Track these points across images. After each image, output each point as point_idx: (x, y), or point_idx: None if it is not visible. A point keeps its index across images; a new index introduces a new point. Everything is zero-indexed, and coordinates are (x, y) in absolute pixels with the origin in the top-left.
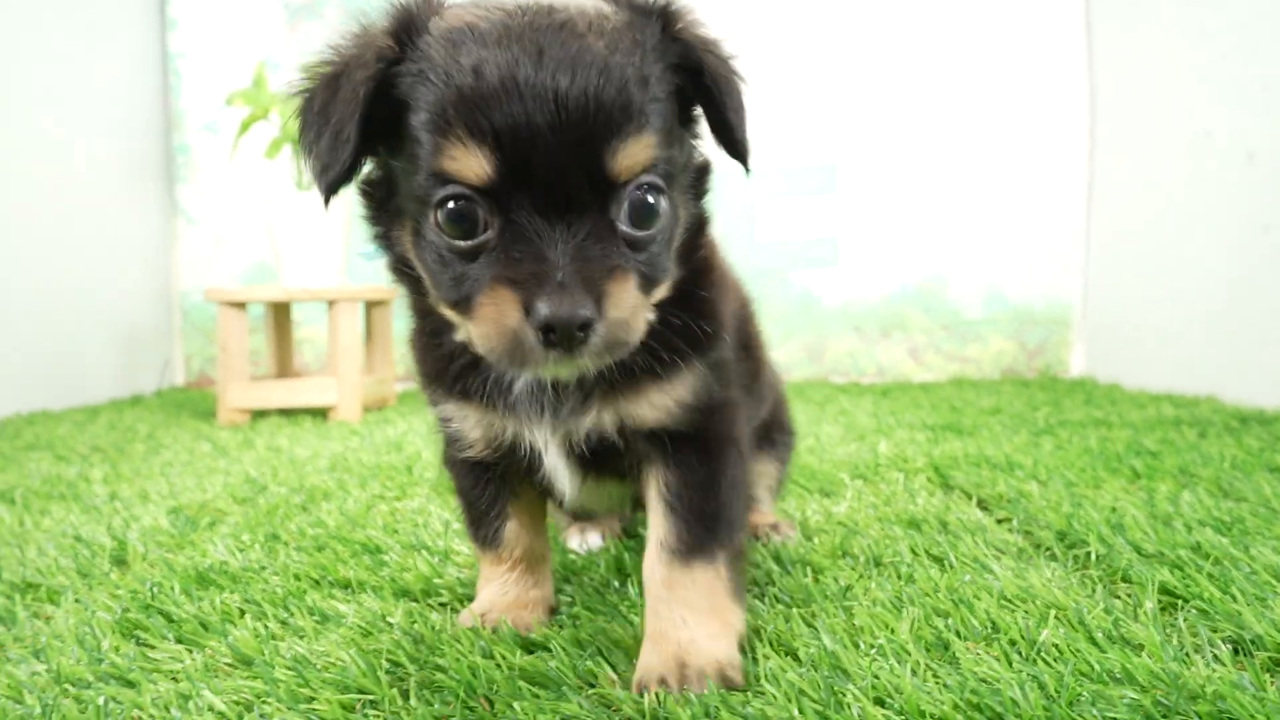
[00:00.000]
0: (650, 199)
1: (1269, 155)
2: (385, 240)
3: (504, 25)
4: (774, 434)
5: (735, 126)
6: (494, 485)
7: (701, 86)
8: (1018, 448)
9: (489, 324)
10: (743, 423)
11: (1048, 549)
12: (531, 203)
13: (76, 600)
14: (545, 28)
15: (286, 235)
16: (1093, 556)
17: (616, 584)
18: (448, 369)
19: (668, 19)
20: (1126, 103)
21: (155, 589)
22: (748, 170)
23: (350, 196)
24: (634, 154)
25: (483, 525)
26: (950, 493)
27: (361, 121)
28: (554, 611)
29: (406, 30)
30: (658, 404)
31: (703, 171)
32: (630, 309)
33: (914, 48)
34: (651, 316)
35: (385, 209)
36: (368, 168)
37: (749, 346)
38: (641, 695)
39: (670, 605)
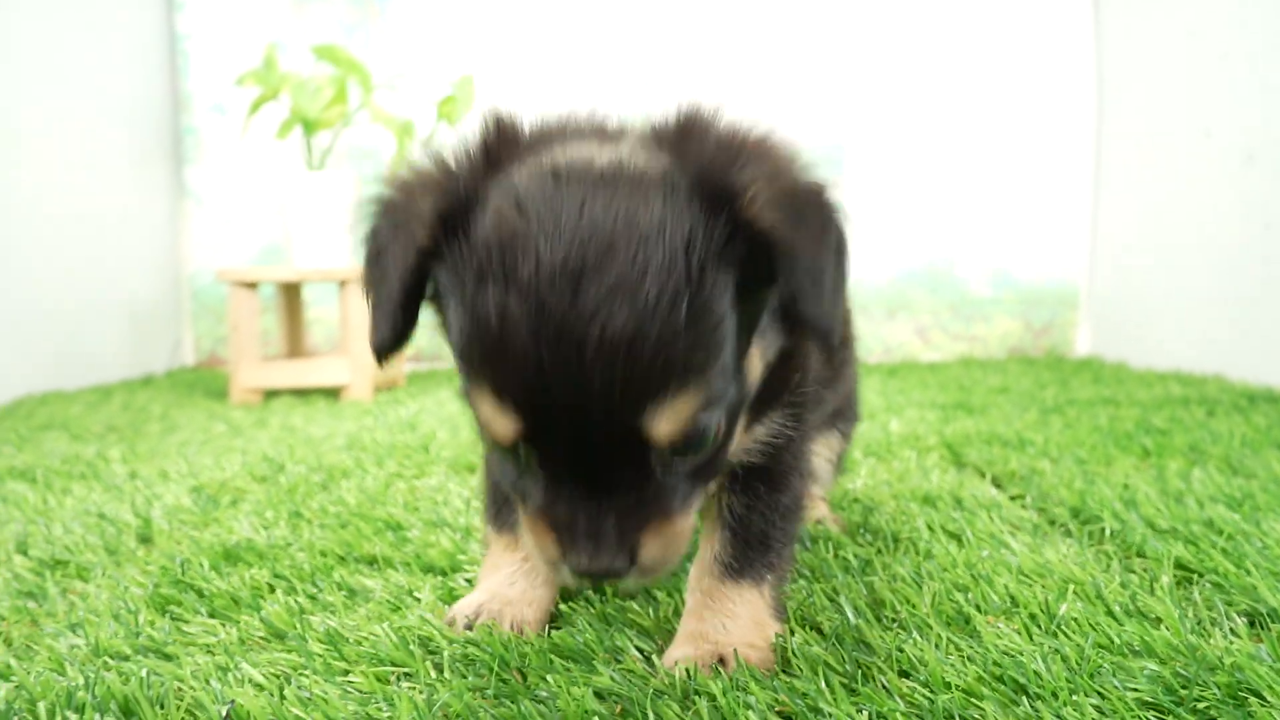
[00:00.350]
0: (703, 434)
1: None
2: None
3: (540, 227)
4: (842, 413)
5: (810, 319)
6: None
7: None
8: (1028, 425)
9: (534, 547)
10: (809, 452)
11: (1062, 525)
12: (567, 460)
13: (106, 576)
14: (588, 241)
15: (297, 215)
16: (1107, 532)
17: None
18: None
19: (734, 204)
20: (1134, 84)
21: (185, 565)
22: (831, 351)
23: (361, 179)
24: (678, 413)
25: (505, 507)
26: (963, 470)
27: (409, 293)
28: (553, 619)
29: (450, 218)
30: (744, 444)
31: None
32: (663, 550)
33: (922, 30)
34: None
35: None
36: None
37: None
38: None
39: (714, 613)
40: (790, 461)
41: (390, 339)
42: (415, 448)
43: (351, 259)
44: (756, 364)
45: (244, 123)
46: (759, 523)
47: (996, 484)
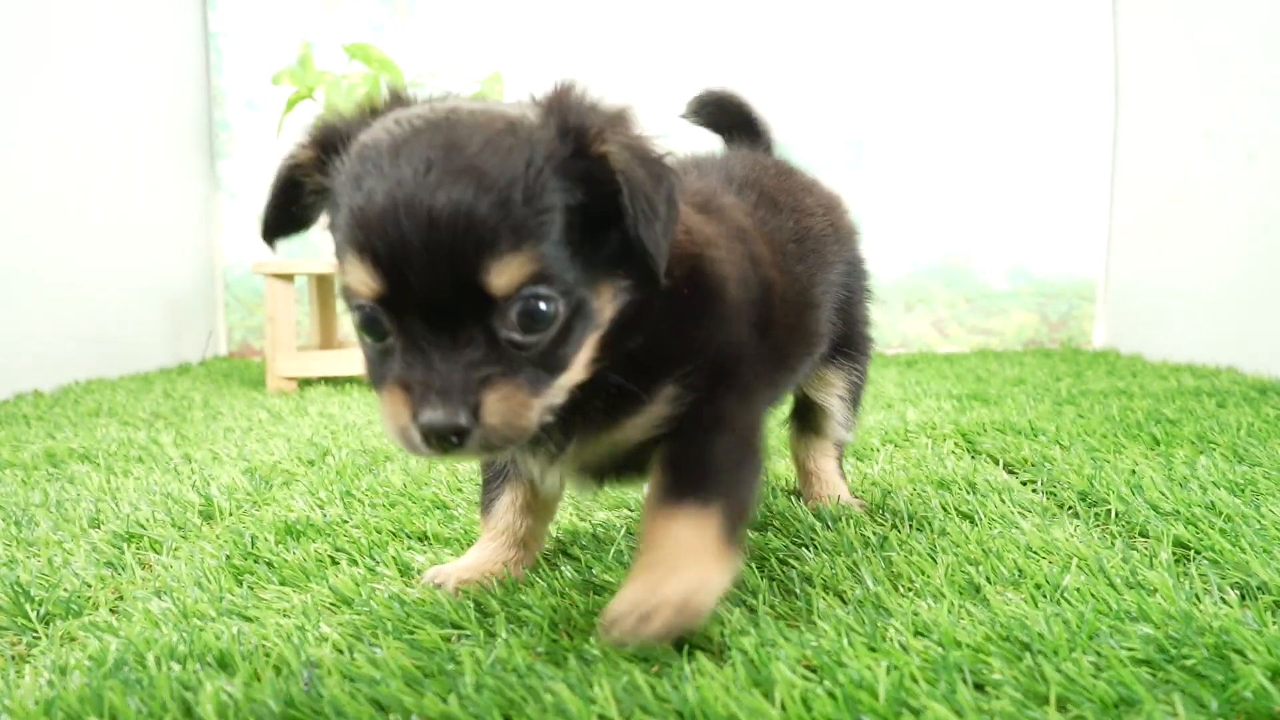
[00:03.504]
0: (540, 307)
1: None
2: None
3: (405, 139)
4: (842, 348)
5: (644, 240)
6: (500, 464)
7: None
8: (1041, 415)
9: (388, 419)
10: (738, 405)
11: (1070, 507)
12: (421, 315)
13: (179, 549)
14: (441, 145)
15: None
16: (1112, 514)
17: None
18: None
19: (582, 138)
20: (1151, 80)
21: (253, 539)
22: (654, 284)
23: None
24: (510, 270)
25: (484, 493)
26: (978, 457)
27: (278, 210)
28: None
29: (325, 146)
30: (641, 425)
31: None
32: (506, 414)
33: (941, 26)
34: (548, 403)
35: None
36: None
37: (769, 309)
38: (606, 632)
39: (656, 548)
40: (710, 415)
41: (272, 226)
42: None
43: None
44: (607, 298)
45: (279, 120)
46: (696, 455)
47: (1009, 470)
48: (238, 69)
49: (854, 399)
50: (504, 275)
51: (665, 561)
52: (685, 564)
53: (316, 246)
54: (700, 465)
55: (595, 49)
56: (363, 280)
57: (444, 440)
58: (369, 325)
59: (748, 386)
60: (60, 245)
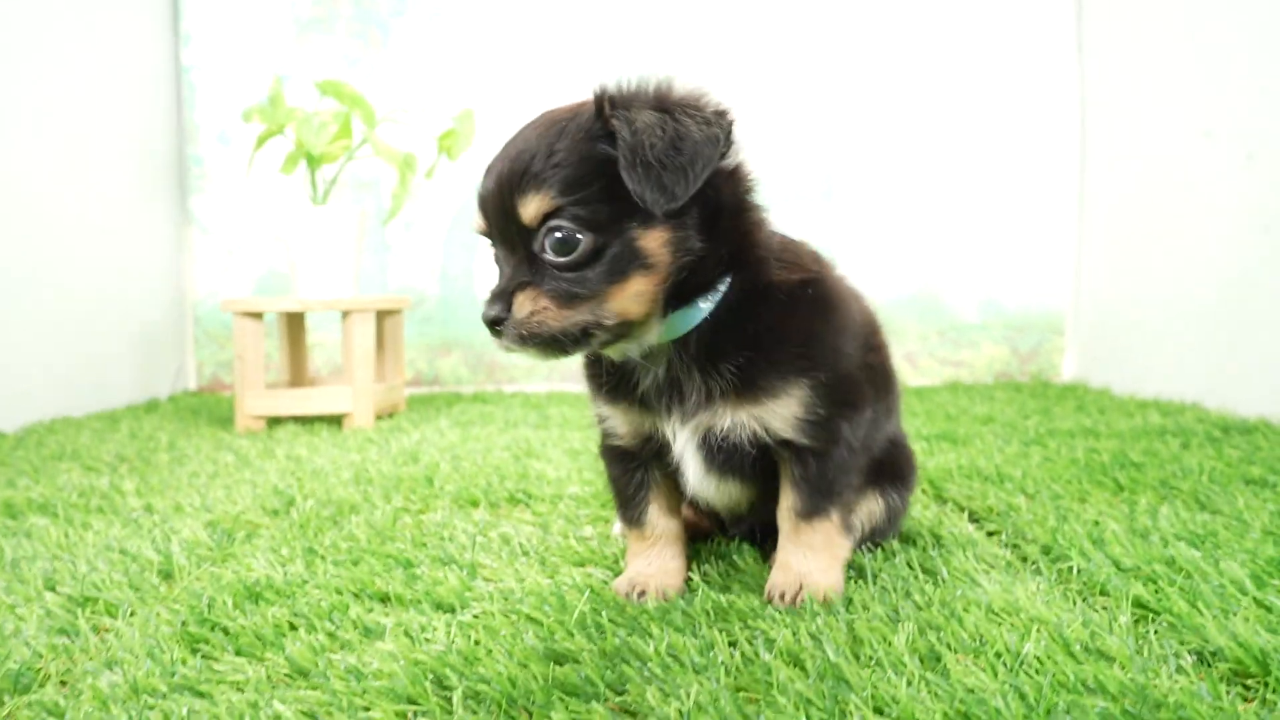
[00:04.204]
0: (561, 235)
1: (1264, 159)
2: None
3: (516, 133)
4: (885, 468)
5: (630, 181)
6: (639, 474)
7: None
8: (1008, 459)
9: None
10: (849, 431)
11: (1033, 562)
12: (497, 241)
13: (135, 614)
14: (526, 130)
15: (301, 247)
16: (1075, 570)
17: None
18: (601, 378)
19: (601, 108)
20: (1115, 116)
21: (210, 603)
22: (656, 210)
23: (364, 213)
24: (531, 206)
25: (630, 507)
26: (944, 505)
27: None
28: (688, 582)
29: None
30: (774, 413)
31: (721, 209)
32: (531, 311)
33: (908, 61)
34: (587, 319)
35: None
36: None
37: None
38: (770, 601)
39: (797, 546)
40: (829, 437)
41: None
42: (419, 480)
43: (354, 289)
44: (658, 243)
45: (249, 158)
46: (816, 479)
47: (974, 519)
48: (210, 103)
49: (882, 526)
50: (526, 209)
51: (801, 555)
52: (816, 554)
53: (286, 283)
54: (821, 488)
55: (570, 86)
56: (474, 220)
57: (493, 328)
58: (493, 255)
59: (861, 410)
60: (27, 279)
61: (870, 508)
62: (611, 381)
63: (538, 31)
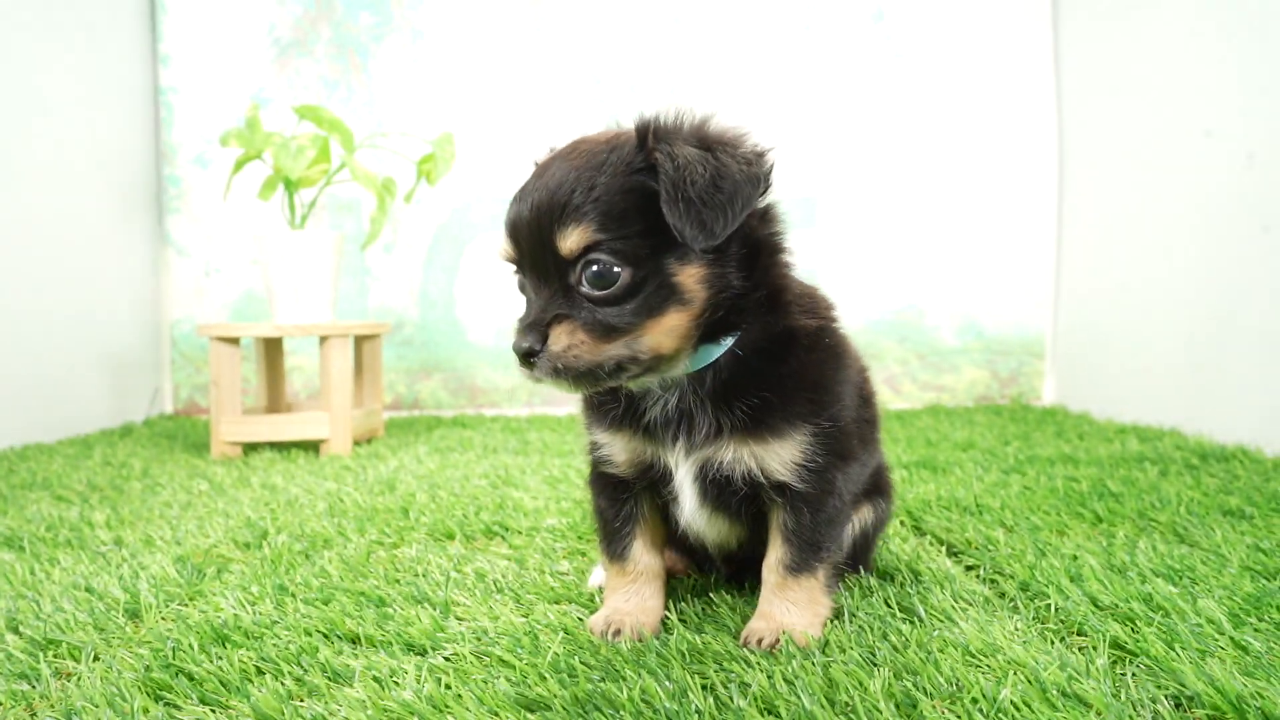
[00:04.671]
0: (599, 268)
1: (1230, 186)
2: None
3: (548, 161)
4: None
5: (670, 216)
6: (628, 506)
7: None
8: (988, 488)
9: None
10: (843, 482)
11: (1011, 600)
12: (529, 271)
13: (97, 658)
14: (561, 159)
15: (278, 272)
16: (1052, 608)
17: (606, 642)
18: (601, 406)
19: (642, 141)
20: (1093, 142)
21: (175, 647)
22: (696, 246)
23: (342, 237)
24: (571, 239)
25: (614, 541)
26: (922, 538)
27: None
28: (665, 626)
29: None
30: (774, 453)
31: (755, 249)
32: (567, 344)
33: (888, 85)
34: (622, 353)
35: None
36: None
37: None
38: (746, 646)
39: (780, 600)
40: (823, 486)
41: None
42: (395, 511)
43: (331, 314)
44: (694, 279)
45: (227, 183)
46: (807, 533)
47: (953, 552)
48: (188, 125)
49: (865, 537)
50: (565, 242)
51: (784, 608)
52: (799, 609)
53: (264, 306)
54: (811, 542)
55: (549, 109)
56: (502, 248)
57: (525, 361)
58: (518, 282)
59: (851, 460)
60: (1, 302)
61: (864, 514)
62: (616, 410)
63: (517, 56)
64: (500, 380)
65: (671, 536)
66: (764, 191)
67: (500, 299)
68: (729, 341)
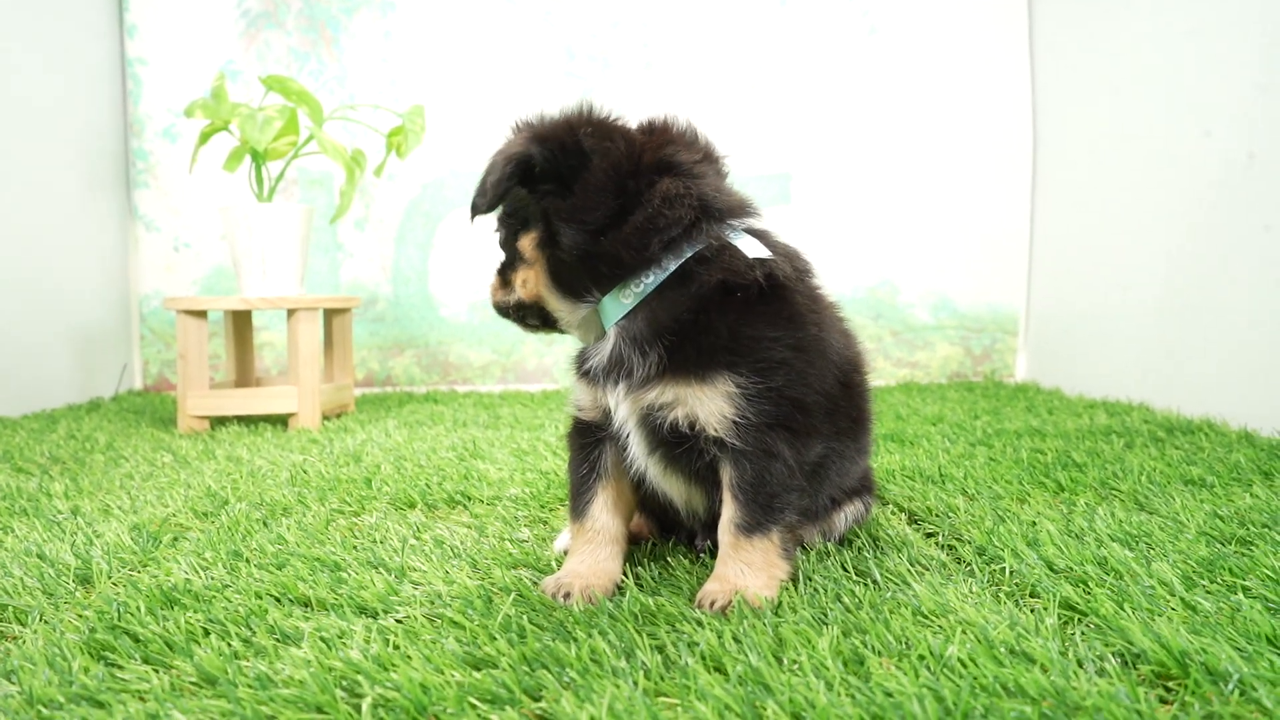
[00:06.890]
0: (502, 234)
1: (1196, 162)
2: None
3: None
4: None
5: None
6: (594, 454)
7: None
8: (953, 459)
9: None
10: (790, 452)
11: (968, 564)
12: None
13: (44, 621)
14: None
15: (246, 246)
16: (1007, 572)
17: (561, 600)
18: (578, 357)
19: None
20: (1066, 122)
21: (121, 609)
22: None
23: (311, 210)
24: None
25: (577, 498)
26: (884, 506)
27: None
28: (620, 589)
29: None
30: (700, 402)
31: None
32: (490, 288)
33: (864, 61)
34: (509, 299)
35: None
36: None
37: (848, 387)
38: (700, 608)
39: (735, 561)
40: (763, 446)
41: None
42: (358, 481)
43: (300, 287)
44: (528, 244)
45: (193, 155)
46: (750, 489)
47: (913, 520)
48: (156, 97)
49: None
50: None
51: (739, 569)
52: (754, 571)
53: (233, 280)
54: (760, 502)
55: (522, 84)
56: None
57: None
58: None
59: (805, 437)
60: None
61: (856, 506)
62: (582, 360)
63: (489, 30)
64: (473, 356)
65: (644, 503)
66: (516, 169)
67: (473, 275)
68: (630, 300)
